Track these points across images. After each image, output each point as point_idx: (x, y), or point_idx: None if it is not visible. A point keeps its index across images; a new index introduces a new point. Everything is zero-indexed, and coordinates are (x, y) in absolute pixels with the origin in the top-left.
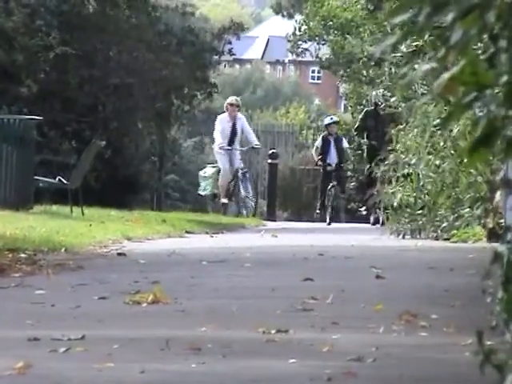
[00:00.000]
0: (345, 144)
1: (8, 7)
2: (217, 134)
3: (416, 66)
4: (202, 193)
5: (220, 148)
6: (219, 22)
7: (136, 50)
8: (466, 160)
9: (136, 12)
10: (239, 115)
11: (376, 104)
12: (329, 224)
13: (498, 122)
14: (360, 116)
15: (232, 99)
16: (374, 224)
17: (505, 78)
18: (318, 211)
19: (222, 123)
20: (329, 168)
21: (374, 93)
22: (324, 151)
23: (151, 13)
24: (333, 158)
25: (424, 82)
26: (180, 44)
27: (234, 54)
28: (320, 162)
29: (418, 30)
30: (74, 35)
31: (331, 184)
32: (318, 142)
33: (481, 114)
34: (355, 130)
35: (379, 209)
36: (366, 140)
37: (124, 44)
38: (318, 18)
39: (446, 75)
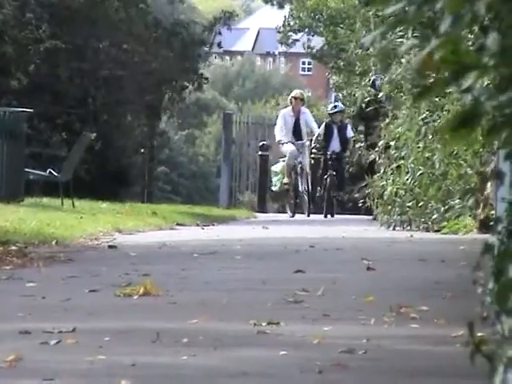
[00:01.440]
0: (349, 133)
1: None
2: (277, 129)
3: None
4: (274, 188)
5: (278, 143)
6: (209, 13)
7: (126, 42)
8: (443, 139)
9: (125, 4)
10: (303, 109)
11: (372, 87)
12: (325, 216)
13: (482, 106)
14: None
15: (296, 92)
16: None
17: (491, 62)
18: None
19: (284, 117)
20: (328, 156)
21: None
22: (326, 139)
23: (139, 4)
24: (335, 146)
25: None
26: (170, 36)
27: (221, 47)
28: (315, 150)
29: (408, 20)
30: (64, 28)
31: (329, 173)
32: (321, 129)
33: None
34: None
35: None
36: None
37: (114, 37)
38: (306, 10)
39: (425, 50)
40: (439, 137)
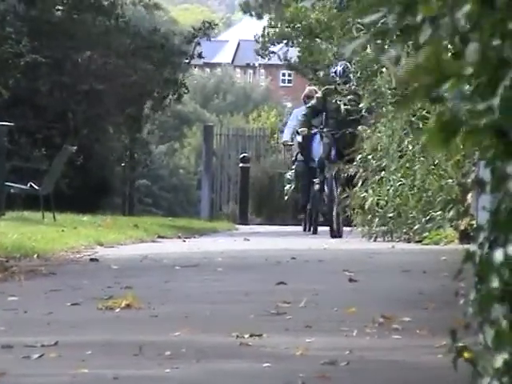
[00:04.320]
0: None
1: None
2: (286, 129)
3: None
4: (286, 197)
5: (284, 145)
6: (189, 25)
7: (105, 55)
8: (426, 143)
9: (104, 17)
10: None
11: (335, 79)
12: (314, 233)
13: (462, 114)
14: (318, 94)
15: (311, 89)
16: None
17: (470, 71)
18: (301, 216)
19: (296, 117)
20: (312, 164)
21: (333, 69)
22: (306, 146)
23: (119, 17)
24: (317, 152)
25: (391, 88)
26: (149, 47)
27: (202, 57)
28: (299, 156)
29: (387, 30)
30: (44, 42)
31: (316, 183)
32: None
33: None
34: (307, 109)
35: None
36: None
37: (93, 50)
38: (284, 20)
39: (410, 62)
40: (422, 145)
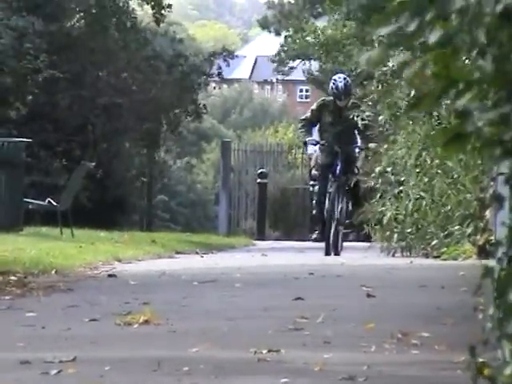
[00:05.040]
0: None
1: None
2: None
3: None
4: (314, 212)
5: (310, 158)
6: (206, 41)
7: (125, 70)
8: (439, 151)
9: (125, 35)
10: None
11: (336, 94)
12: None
13: (472, 123)
14: (313, 106)
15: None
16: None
17: (477, 76)
18: (316, 233)
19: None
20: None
21: (333, 83)
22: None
23: (139, 37)
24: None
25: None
26: (169, 67)
27: (222, 78)
28: (315, 172)
29: (405, 40)
30: (63, 56)
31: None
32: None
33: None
34: (300, 121)
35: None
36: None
37: (113, 64)
38: (301, 39)
39: (417, 63)
40: (434, 144)
